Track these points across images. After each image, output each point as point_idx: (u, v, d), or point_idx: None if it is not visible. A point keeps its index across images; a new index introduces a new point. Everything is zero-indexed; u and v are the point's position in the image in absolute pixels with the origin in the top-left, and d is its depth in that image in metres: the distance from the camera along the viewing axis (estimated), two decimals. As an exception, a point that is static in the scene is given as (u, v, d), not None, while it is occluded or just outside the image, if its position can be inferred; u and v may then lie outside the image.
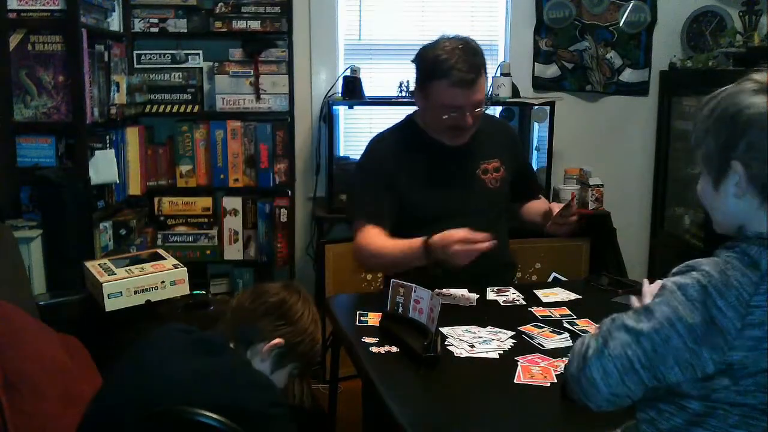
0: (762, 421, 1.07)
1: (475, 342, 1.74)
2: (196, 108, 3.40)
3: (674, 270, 1.13)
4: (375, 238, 2.12)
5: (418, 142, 2.23)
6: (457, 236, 1.90)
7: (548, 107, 3.45)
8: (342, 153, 3.68)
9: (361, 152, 2.31)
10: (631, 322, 1.11)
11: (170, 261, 2.48)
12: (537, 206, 2.36)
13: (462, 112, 2.09)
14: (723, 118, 1.11)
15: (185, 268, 2.43)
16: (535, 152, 3.68)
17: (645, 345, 1.08)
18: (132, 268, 2.40)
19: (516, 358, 1.66)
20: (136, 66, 3.33)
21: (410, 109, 3.42)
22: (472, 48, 2.09)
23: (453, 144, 2.20)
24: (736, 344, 1.04)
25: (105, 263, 2.44)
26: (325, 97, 3.60)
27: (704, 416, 1.09)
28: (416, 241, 2.00)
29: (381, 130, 2.33)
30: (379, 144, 2.27)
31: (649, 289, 1.22)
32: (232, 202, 3.46)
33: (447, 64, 2.03)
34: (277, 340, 1.59)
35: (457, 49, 2.06)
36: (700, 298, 1.06)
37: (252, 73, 3.35)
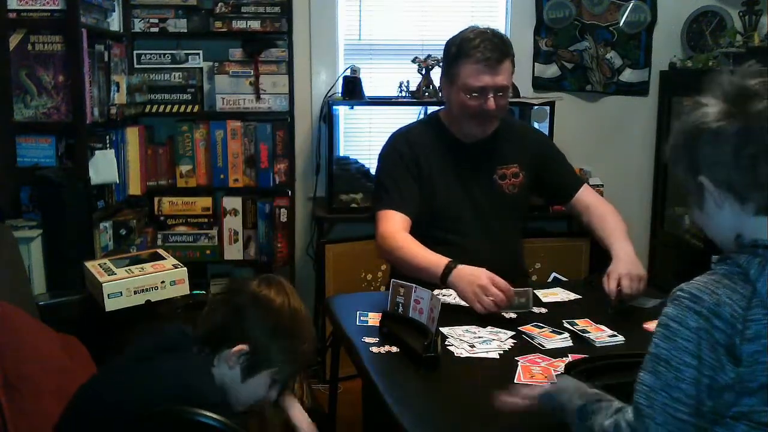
0: None
1: (475, 342, 1.74)
2: (196, 108, 3.40)
3: (670, 294, 1.13)
4: (401, 233, 2.10)
5: (440, 139, 2.24)
6: (490, 274, 1.88)
7: (548, 107, 3.46)
8: (342, 153, 3.68)
9: (384, 146, 2.30)
10: (654, 382, 1.09)
11: (170, 261, 2.47)
12: (604, 230, 2.19)
13: (485, 93, 2.09)
14: (679, 143, 1.16)
15: (185, 268, 2.42)
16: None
17: (679, 396, 1.07)
18: (132, 268, 2.39)
19: (516, 358, 1.65)
20: (136, 66, 3.33)
21: (410, 109, 3.47)
22: (499, 34, 2.14)
23: (477, 135, 2.18)
24: (743, 358, 1.05)
25: (105, 263, 2.44)
26: (325, 97, 3.60)
27: (712, 423, 1.09)
28: (439, 260, 1.97)
29: (402, 125, 2.34)
30: (401, 135, 2.27)
31: None
32: (232, 202, 3.46)
33: (473, 43, 2.08)
34: (239, 347, 1.46)
35: (484, 32, 2.12)
36: (702, 326, 1.06)
37: (252, 73, 3.35)
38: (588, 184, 3.57)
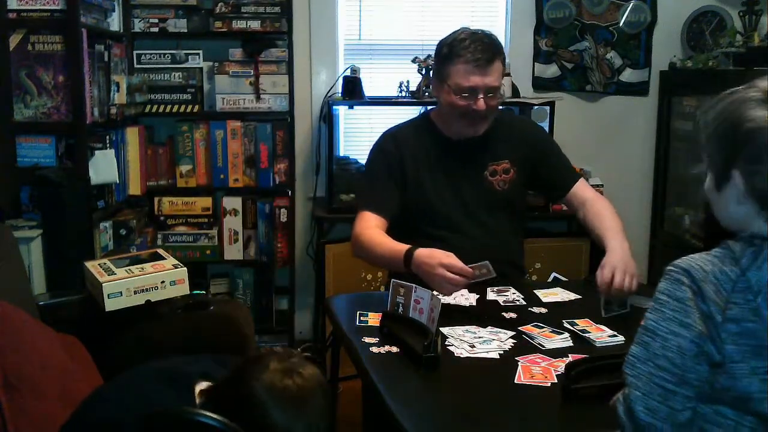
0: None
1: (475, 342, 1.74)
2: (196, 108, 3.40)
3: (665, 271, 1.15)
4: (371, 229, 2.17)
5: (429, 138, 2.26)
6: (444, 260, 1.89)
7: (548, 107, 3.45)
8: (342, 153, 3.68)
9: (373, 145, 2.34)
10: (641, 353, 1.12)
11: (170, 261, 2.47)
12: (601, 226, 2.17)
13: (475, 94, 2.12)
14: (725, 127, 1.13)
15: (185, 268, 2.42)
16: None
17: (665, 365, 1.09)
18: (132, 268, 2.39)
19: (516, 358, 1.65)
20: (136, 66, 3.33)
21: (410, 109, 3.47)
22: (489, 35, 2.16)
23: (468, 134, 2.20)
24: (723, 336, 1.07)
25: (105, 263, 2.44)
26: (325, 97, 3.61)
27: (700, 398, 1.11)
28: (401, 248, 2.02)
29: (392, 125, 2.37)
30: (390, 136, 2.31)
31: None
32: (232, 202, 3.46)
33: (464, 44, 2.11)
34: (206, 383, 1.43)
35: (475, 33, 2.14)
36: (689, 296, 1.08)
37: (252, 73, 3.35)
38: (588, 183, 3.60)
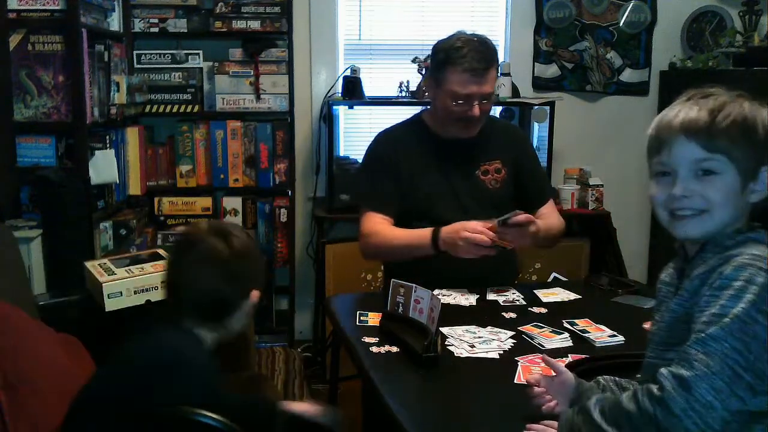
0: None
1: (475, 342, 1.74)
2: (196, 108, 3.40)
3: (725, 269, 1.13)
4: (380, 225, 2.21)
5: (423, 139, 2.28)
6: (470, 225, 2.00)
7: (548, 107, 3.45)
8: (342, 153, 3.68)
9: (368, 146, 2.37)
10: (716, 332, 1.07)
11: (170, 261, 2.47)
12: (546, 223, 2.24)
13: (470, 101, 2.14)
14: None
15: (185, 268, 2.42)
16: (535, 152, 3.68)
17: (739, 347, 1.05)
18: (132, 268, 2.39)
19: (516, 358, 1.65)
20: (136, 66, 3.33)
21: (410, 109, 3.47)
22: (486, 43, 2.18)
23: (460, 136, 2.23)
24: None
25: (105, 263, 2.44)
26: (325, 97, 3.61)
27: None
28: (425, 232, 2.10)
29: (388, 126, 2.39)
30: (384, 136, 2.35)
31: None
32: (232, 202, 3.46)
33: (461, 52, 2.13)
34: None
35: (471, 41, 2.16)
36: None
37: (252, 73, 3.36)
38: (588, 184, 3.60)
